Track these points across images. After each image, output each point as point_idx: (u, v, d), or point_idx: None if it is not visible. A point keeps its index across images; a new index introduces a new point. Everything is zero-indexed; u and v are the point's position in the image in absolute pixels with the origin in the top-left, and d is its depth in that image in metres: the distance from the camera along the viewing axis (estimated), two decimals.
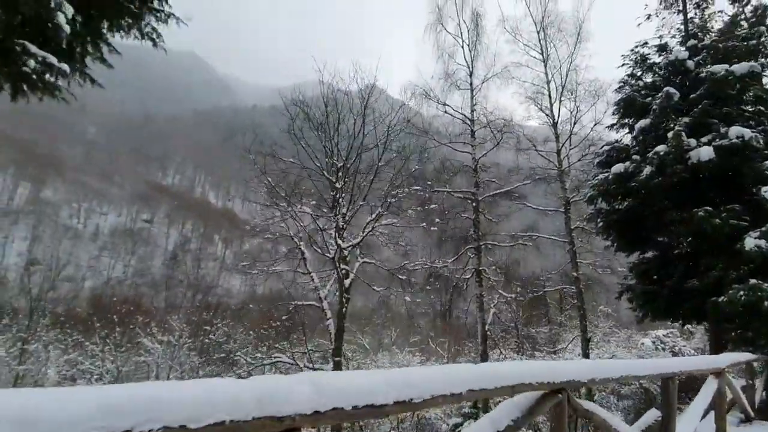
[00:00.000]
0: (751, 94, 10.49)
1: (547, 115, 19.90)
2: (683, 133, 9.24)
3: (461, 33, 19.30)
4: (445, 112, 18.28)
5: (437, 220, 16.91)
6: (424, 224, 12.12)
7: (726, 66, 9.68)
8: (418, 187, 14.09)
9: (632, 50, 11.83)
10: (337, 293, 11.24)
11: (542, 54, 20.30)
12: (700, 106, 9.78)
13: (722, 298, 8.39)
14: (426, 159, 13.92)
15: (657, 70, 11.45)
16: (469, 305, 17.11)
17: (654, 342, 32.65)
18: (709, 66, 10.06)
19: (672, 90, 9.92)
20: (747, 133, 8.77)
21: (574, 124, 18.71)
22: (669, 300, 10.34)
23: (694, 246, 9.96)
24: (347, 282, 10.98)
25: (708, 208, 9.01)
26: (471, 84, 18.91)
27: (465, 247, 17.46)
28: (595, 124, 18.49)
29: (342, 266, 10.81)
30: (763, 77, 11.16)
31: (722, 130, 9.22)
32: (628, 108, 11.42)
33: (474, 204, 17.52)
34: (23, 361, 22.84)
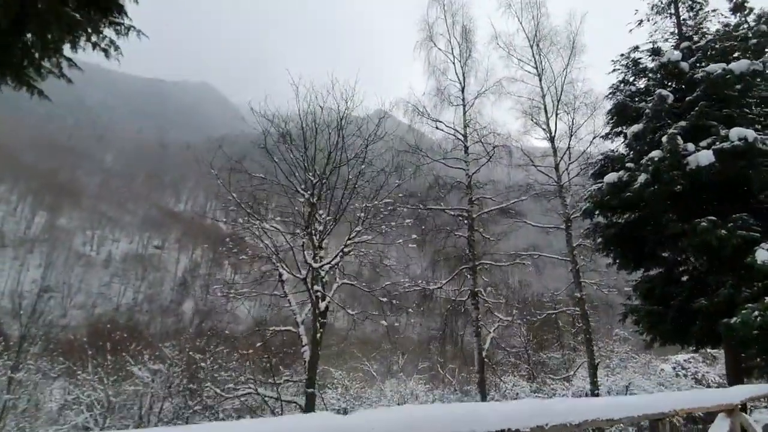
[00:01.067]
0: (754, 94, 9.69)
1: (543, 129, 19.27)
2: (679, 137, 8.43)
3: (452, 49, 19.03)
4: (437, 127, 17.77)
5: (421, 237, 16.09)
6: (401, 241, 11.32)
7: (723, 65, 8.94)
8: (402, 205, 13.35)
9: (623, 55, 11.20)
10: (321, 317, 10.42)
11: (537, 68, 19.84)
12: (696, 109, 8.99)
13: (735, 319, 7.36)
14: (412, 174, 13.22)
15: (650, 74, 10.75)
16: (465, 329, 16.02)
17: (675, 368, 30.64)
18: (704, 66, 9.32)
19: (664, 92, 9.18)
20: (750, 134, 7.93)
21: (571, 137, 18.00)
22: (676, 321, 9.28)
23: (700, 261, 8.98)
24: (322, 305, 10.17)
25: (712, 218, 8.09)
26: (463, 99, 18.44)
27: (460, 267, 16.53)
28: (594, 138, 17.73)
29: (315, 288, 10.03)
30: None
31: (722, 132, 8.39)
32: (621, 115, 10.69)
33: (468, 222, 16.70)
34: (11, 390, 22.29)
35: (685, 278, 9.43)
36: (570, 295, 17.68)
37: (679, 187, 9.26)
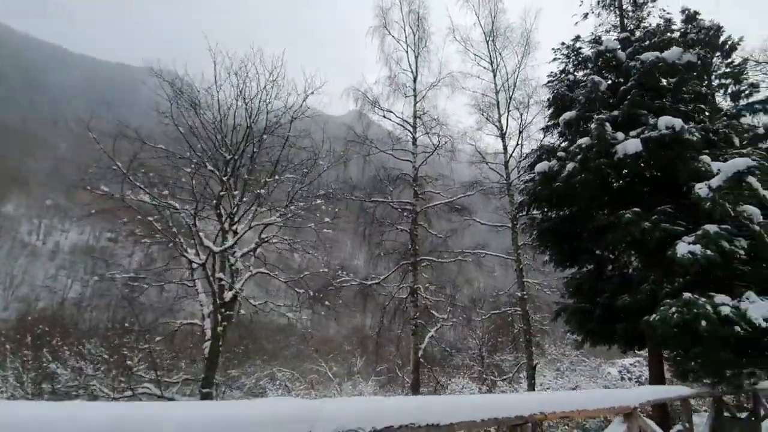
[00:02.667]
0: (689, 89, 9.44)
1: (496, 126, 18.95)
2: (607, 124, 7.99)
3: (406, 38, 18.38)
4: (384, 116, 17.03)
5: (362, 230, 15.28)
6: (312, 225, 10.42)
7: (657, 53, 8.59)
8: (335, 194, 12.46)
9: (564, 44, 10.78)
10: (224, 309, 9.33)
11: (492, 64, 19.53)
12: (629, 97, 8.60)
13: (654, 316, 6.90)
14: (343, 160, 12.35)
15: (589, 64, 10.36)
16: (403, 328, 15.31)
17: (620, 371, 31.11)
18: (640, 55, 8.97)
19: (598, 78, 8.76)
20: (678, 123, 7.55)
21: (520, 133, 17.73)
22: (602, 320, 8.84)
23: (626, 255, 8.57)
24: (228, 295, 9.13)
25: (637, 209, 7.66)
26: (415, 90, 17.82)
27: (401, 263, 15.81)
28: (545, 136, 17.50)
29: (216, 275, 8.99)
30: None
31: (651, 121, 8.00)
32: (559, 105, 10.23)
33: (412, 216, 16.02)
34: None
35: (611, 274, 9.02)
36: (513, 294, 17.33)
37: (614, 180, 8.85)
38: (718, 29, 20.61)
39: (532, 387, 15.42)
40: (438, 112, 17.99)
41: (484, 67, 19.74)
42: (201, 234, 8.79)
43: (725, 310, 6.22)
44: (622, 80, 9.57)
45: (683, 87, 9.24)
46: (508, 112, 18.64)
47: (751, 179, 6.78)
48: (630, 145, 7.67)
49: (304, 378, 32.08)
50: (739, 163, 6.64)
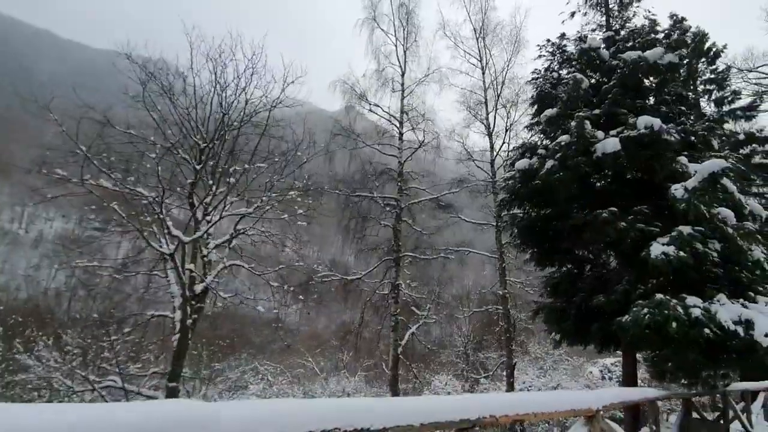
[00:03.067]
0: (671, 91, 9.41)
1: (483, 123, 18.88)
2: (587, 122, 7.90)
3: (395, 31, 18.17)
4: (370, 109, 16.83)
5: (345, 224, 15.10)
6: (285, 216, 10.21)
7: (639, 52, 8.52)
8: (317, 188, 12.24)
9: (549, 41, 10.68)
10: (194, 301, 9.09)
11: (481, 61, 19.43)
12: (610, 96, 8.53)
13: (626, 317, 6.85)
14: (324, 152, 12.09)
15: (574, 62, 10.27)
16: (383, 323, 15.21)
17: (602, 371, 31.39)
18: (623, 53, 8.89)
19: (580, 76, 8.67)
20: (657, 122, 7.50)
21: (507, 132, 17.70)
22: (577, 319, 8.80)
23: (605, 255, 8.54)
24: (198, 288, 8.91)
25: (613, 209, 7.60)
26: (402, 85, 17.65)
27: (383, 258, 15.69)
28: (532, 135, 17.46)
29: (186, 267, 8.75)
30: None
31: (631, 121, 7.94)
32: (543, 103, 10.14)
33: (396, 211, 15.89)
34: None
35: (588, 274, 8.98)
36: (497, 292, 17.33)
37: (593, 179, 8.79)
38: (704, 36, 20.76)
39: (510, 385, 15.45)
40: (425, 108, 17.87)
41: (473, 64, 19.66)
42: (169, 223, 8.50)
43: (696, 312, 6.19)
44: (605, 80, 9.50)
45: (665, 88, 9.20)
46: (496, 110, 18.59)
47: (726, 181, 6.76)
48: (608, 143, 7.59)
49: (290, 372, 31.90)
50: (714, 164, 6.60)
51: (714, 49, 20.15)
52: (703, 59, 20.44)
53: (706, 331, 6.10)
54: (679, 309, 6.24)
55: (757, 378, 12.75)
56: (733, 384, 10.06)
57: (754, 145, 17.69)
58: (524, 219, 10.11)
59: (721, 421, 6.89)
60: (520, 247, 10.94)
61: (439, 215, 18.64)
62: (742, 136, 17.98)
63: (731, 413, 8.81)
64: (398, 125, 17.04)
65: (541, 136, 9.84)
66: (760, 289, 8.10)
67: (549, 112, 8.91)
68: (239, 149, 9.90)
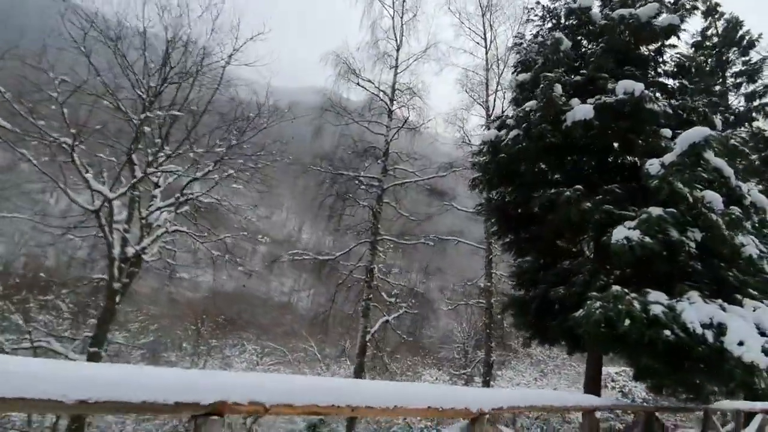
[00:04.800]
0: (669, 59, 8.14)
1: (482, 106, 17.70)
2: (558, 86, 6.79)
3: (393, 2, 17.08)
4: (358, 83, 15.86)
5: (321, 201, 14.30)
6: (236, 184, 9.41)
7: (631, 10, 7.30)
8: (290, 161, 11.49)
9: (538, 3, 9.47)
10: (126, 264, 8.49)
11: (485, 40, 18.17)
12: (593, 60, 7.37)
13: (580, 312, 5.82)
14: (292, 119, 11.21)
15: (563, 27, 9.06)
16: (355, 309, 14.41)
17: (604, 378, 29.86)
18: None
19: (559, 35, 7.53)
20: (638, 88, 6.33)
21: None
22: (538, 314, 7.77)
23: (582, 242, 7.48)
24: (130, 250, 8.29)
25: (579, 187, 6.51)
26: (397, 60, 16.59)
27: (361, 240, 14.85)
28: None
29: (115, 226, 8.13)
30: None
31: (610, 86, 6.79)
32: (525, 71, 9.00)
33: (378, 192, 14.98)
34: None
35: (548, 262, 7.92)
36: (477, 285, 16.28)
37: (565, 153, 7.64)
38: (737, 23, 18.78)
39: (487, 384, 14.47)
40: (421, 86, 16.78)
41: (478, 43, 18.42)
42: (88, 175, 7.86)
43: (656, 310, 5.11)
44: (593, 45, 8.30)
45: (662, 56, 7.95)
46: (497, 92, 17.34)
47: (710, 155, 5.59)
48: (579, 110, 6.48)
49: (290, 355, 31.70)
50: (695, 133, 5.44)
51: (747, 38, 18.26)
52: (735, 48, 18.60)
53: (666, 332, 5.03)
54: (636, 305, 5.18)
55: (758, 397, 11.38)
56: (719, 403, 8.85)
57: None
58: (497, 201, 9.09)
59: None
60: (497, 234, 9.93)
61: (433, 202, 17.69)
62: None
63: None
64: (388, 102, 16.05)
65: (513, 104, 8.73)
66: (753, 292, 6.90)
67: (522, 76, 7.82)
68: (189, 107, 9.16)
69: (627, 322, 5.11)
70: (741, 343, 4.77)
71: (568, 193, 6.45)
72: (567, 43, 7.54)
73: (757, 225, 14.32)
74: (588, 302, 5.68)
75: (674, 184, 5.44)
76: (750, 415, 10.99)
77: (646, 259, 5.87)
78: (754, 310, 5.91)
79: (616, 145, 6.95)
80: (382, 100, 16.06)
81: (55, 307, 9.86)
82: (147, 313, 30.17)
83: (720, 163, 6.50)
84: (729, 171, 6.58)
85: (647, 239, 5.39)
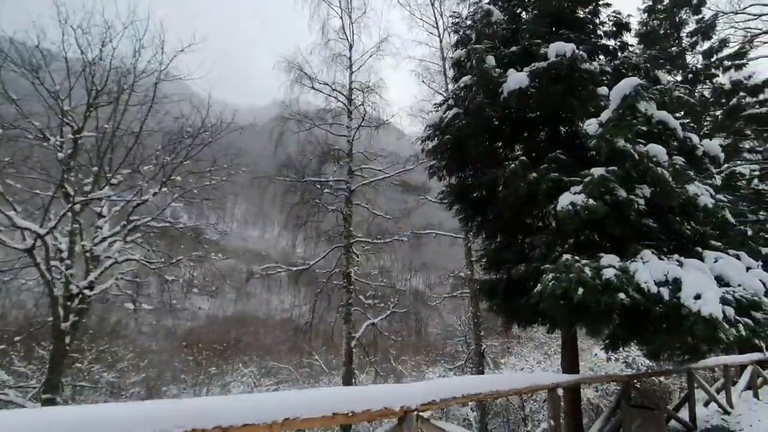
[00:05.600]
0: (606, 18, 7.94)
1: (442, 95, 17.49)
2: (491, 57, 6.54)
3: (339, 2, 16.84)
4: (312, 87, 15.56)
5: (288, 211, 13.92)
6: (204, 199, 9.02)
7: None
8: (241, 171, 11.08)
9: None
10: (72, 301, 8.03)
11: (437, 28, 18.04)
12: (525, 27, 7.14)
13: (538, 287, 5.53)
14: (240, 130, 10.83)
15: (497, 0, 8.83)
16: (336, 318, 14.04)
17: (608, 354, 29.80)
18: None
19: (488, 6, 7.30)
20: (570, 48, 6.10)
21: None
22: (505, 294, 7.49)
23: (527, 215, 7.21)
24: (75, 287, 7.85)
25: (523, 158, 6.26)
26: (350, 59, 16.33)
27: (334, 246, 14.49)
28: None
29: (52, 264, 7.69)
30: None
31: (542, 51, 6.55)
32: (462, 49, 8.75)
33: (346, 194, 14.66)
34: None
35: (510, 242, 7.64)
36: (458, 275, 16.01)
37: (502, 126, 7.39)
38: None
39: (479, 373, 14.15)
40: (378, 83, 16.54)
41: (431, 33, 18.28)
42: (11, 213, 7.41)
43: (608, 274, 4.85)
44: (528, 14, 8.07)
45: (597, 16, 7.75)
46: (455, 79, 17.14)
47: (651, 107, 5.35)
48: (513, 79, 6.23)
49: (296, 371, 31.20)
50: (624, 86, 5.20)
51: None
52: (687, 8, 18.69)
53: (621, 296, 4.76)
54: (587, 271, 4.91)
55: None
56: (704, 360, 8.65)
57: (742, 94, 15.92)
58: (457, 186, 8.79)
59: (655, 410, 5.51)
60: (463, 220, 9.63)
61: (409, 198, 17.42)
62: (728, 86, 16.23)
63: (704, 395, 7.44)
64: (346, 102, 15.77)
65: (453, 83, 8.48)
66: (715, 243, 6.69)
67: (457, 53, 7.57)
68: (132, 129, 8.77)
69: (580, 290, 4.84)
70: (698, 297, 4.52)
71: (513, 166, 6.19)
72: (498, 15, 7.31)
73: (724, 176, 14.12)
74: (543, 276, 5.40)
75: (613, 141, 5.19)
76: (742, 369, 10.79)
77: (597, 222, 5.63)
78: (715, 261, 5.69)
79: (561, 113, 6.70)
80: (339, 101, 15.79)
81: (6, 354, 9.35)
82: (133, 350, 29.38)
83: (663, 115, 6.29)
84: (674, 123, 6.37)
85: (591, 201, 5.13)
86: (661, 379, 15.57)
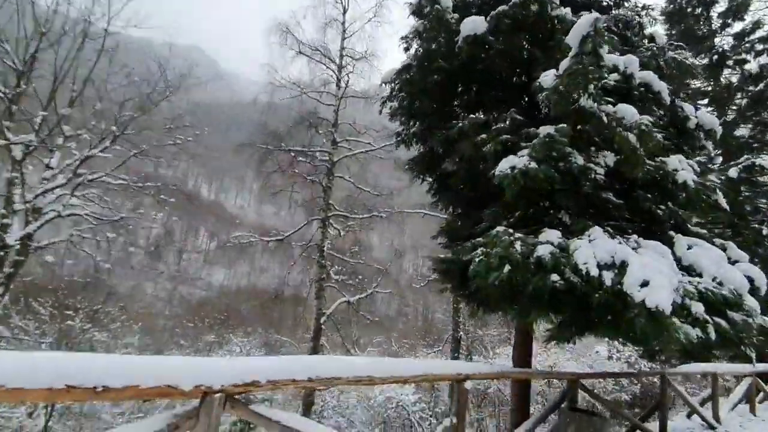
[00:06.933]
0: None
1: None
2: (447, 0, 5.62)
3: None
4: (299, 52, 14.72)
5: (264, 179, 13.32)
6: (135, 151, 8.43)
7: None
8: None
9: None
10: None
11: None
12: None
13: (472, 265, 4.75)
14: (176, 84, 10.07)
15: None
16: (309, 291, 13.49)
17: (609, 350, 28.81)
18: None
19: None
20: None
21: None
22: (462, 277, 6.69)
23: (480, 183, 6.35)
24: (9, 239, 7.46)
25: (473, 116, 5.40)
26: (344, 24, 15.39)
27: (310, 218, 13.87)
28: None
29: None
30: None
31: None
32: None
33: (329, 165, 13.94)
34: None
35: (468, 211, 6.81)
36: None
37: (464, 80, 6.45)
38: None
39: (455, 360, 13.48)
40: (372, 52, 15.57)
41: None
42: None
43: (542, 251, 4.02)
44: None
45: None
46: None
47: (608, 53, 4.39)
48: (468, 24, 5.32)
49: (298, 345, 31.38)
50: (583, 24, 4.24)
51: None
52: None
53: (555, 277, 3.94)
54: (517, 247, 4.09)
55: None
56: (685, 366, 7.74)
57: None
58: (421, 155, 7.95)
59: (595, 416, 4.68)
60: (430, 191, 8.80)
61: (402, 175, 16.61)
62: (756, 69, 14.62)
63: (683, 405, 6.57)
64: (336, 71, 14.92)
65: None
66: (699, 230, 5.73)
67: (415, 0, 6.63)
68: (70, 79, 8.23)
69: (506, 268, 4.04)
70: (645, 284, 3.67)
71: (460, 125, 5.34)
72: None
73: (741, 168, 12.74)
74: (475, 253, 4.61)
75: (567, 95, 4.28)
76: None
77: (547, 193, 4.77)
78: (689, 249, 4.77)
79: (525, 68, 5.76)
80: (329, 68, 14.94)
81: None
82: (128, 313, 29.90)
83: (647, 76, 5.32)
84: (660, 85, 5.40)
85: (533, 165, 4.27)
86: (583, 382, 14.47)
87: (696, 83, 17.86)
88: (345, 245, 14.75)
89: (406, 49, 6.13)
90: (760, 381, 9.65)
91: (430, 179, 8.17)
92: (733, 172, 14.68)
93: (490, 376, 4.45)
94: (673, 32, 17.49)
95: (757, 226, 14.09)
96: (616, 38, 4.33)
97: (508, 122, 5.20)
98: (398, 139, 7.94)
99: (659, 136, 4.22)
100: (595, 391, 16.72)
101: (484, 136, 5.14)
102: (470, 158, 5.38)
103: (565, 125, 4.37)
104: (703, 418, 7.63)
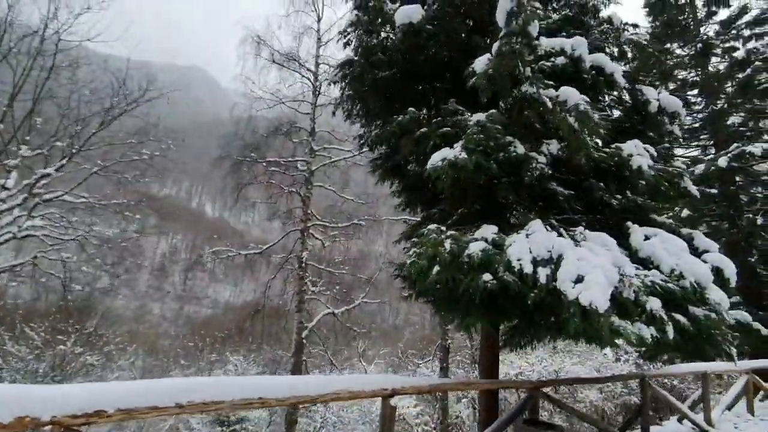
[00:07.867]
0: None
1: None
2: None
3: None
4: (273, 61, 14.56)
5: (236, 191, 13.06)
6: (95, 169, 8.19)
7: None
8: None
9: None
10: None
11: None
12: None
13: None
14: (149, 100, 9.86)
15: None
16: (290, 305, 13.12)
17: (616, 353, 28.07)
18: None
19: None
20: None
21: None
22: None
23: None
24: None
25: (412, 110, 5.05)
26: (318, 32, 15.26)
27: (289, 230, 13.55)
28: None
29: None
30: None
31: None
32: None
33: (306, 174, 13.66)
34: None
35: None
36: None
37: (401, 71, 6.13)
38: None
39: (444, 371, 13.01)
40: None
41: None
42: None
43: (473, 249, 3.66)
44: None
45: None
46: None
47: (556, 38, 4.06)
48: (402, 13, 5.02)
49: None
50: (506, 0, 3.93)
51: None
52: None
53: (486, 277, 3.57)
54: (447, 245, 3.73)
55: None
56: (668, 368, 7.27)
57: (758, 64, 13.92)
58: (381, 156, 7.63)
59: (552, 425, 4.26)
60: (394, 194, 8.43)
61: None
62: (742, 55, 14.22)
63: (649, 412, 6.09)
64: (312, 79, 14.73)
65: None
66: (665, 220, 5.33)
67: None
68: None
69: (435, 269, 3.68)
70: (580, 280, 3.28)
71: (399, 119, 5.03)
72: None
73: (731, 156, 12.20)
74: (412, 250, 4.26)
75: (493, 76, 3.95)
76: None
77: (487, 187, 4.42)
78: (646, 239, 4.39)
79: (467, 57, 5.44)
80: (304, 76, 14.77)
81: None
82: (120, 334, 29.56)
83: (598, 58, 4.98)
84: (614, 68, 5.06)
85: (463, 155, 3.93)
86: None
87: (683, 73, 17.50)
88: (332, 256, 14.42)
89: (346, 45, 5.85)
90: (758, 378, 9.08)
91: (396, 181, 7.84)
92: (722, 161, 14.15)
93: (422, 390, 4.04)
94: (656, 23, 17.18)
95: (751, 216, 13.55)
96: (558, 17, 4.00)
97: (448, 114, 4.87)
98: (361, 142, 7.61)
99: (596, 116, 3.86)
100: (604, 397, 16.04)
101: (424, 130, 4.82)
102: (414, 154, 5.05)
103: (495, 111, 4.04)
104: (693, 422, 7.11)
